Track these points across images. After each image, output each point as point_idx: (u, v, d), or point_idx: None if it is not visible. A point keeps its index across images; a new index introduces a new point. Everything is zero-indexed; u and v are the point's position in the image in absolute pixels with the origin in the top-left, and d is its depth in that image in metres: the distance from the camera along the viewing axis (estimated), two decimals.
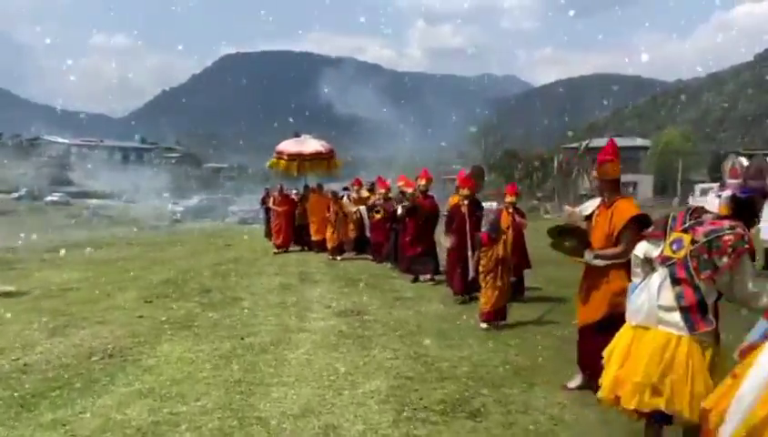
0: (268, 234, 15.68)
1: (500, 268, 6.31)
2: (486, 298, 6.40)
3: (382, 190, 11.45)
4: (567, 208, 4.65)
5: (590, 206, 4.18)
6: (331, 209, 12.26)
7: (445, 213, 8.76)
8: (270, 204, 14.35)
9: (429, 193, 9.41)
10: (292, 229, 13.83)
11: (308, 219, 13.57)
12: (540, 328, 6.50)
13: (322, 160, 14.95)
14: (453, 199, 8.40)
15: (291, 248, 14.09)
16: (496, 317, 6.41)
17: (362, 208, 12.82)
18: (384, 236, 11.17)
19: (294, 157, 14.65)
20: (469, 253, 7.41)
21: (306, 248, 13.98)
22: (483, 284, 6.43)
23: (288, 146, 15.04)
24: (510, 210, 7.59)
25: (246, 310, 7.55)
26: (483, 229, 6.46)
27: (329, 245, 12.35)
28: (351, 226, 12.58)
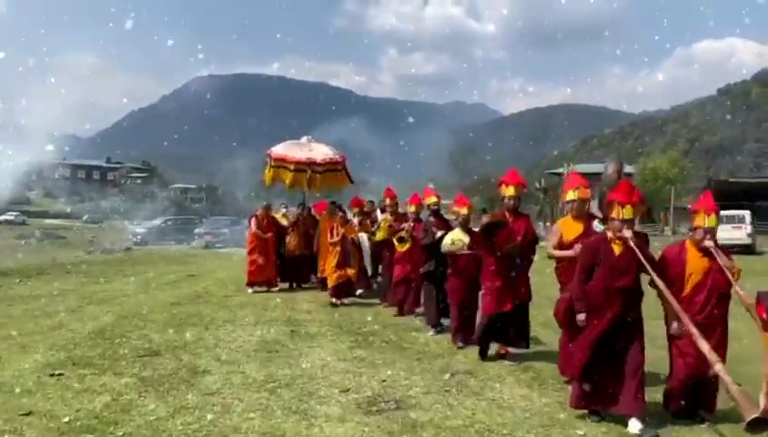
0: None
1: None
2: None
3: (411, 208, 8.37)
4: None
5: None
6: (335, 234, 9.17)
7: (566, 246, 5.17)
8: (253, 227, 10.80)
9: (522, 211, 6.03)
10: (276, 262, 10.72)
11: (309, 248, 10.49)
12: None
13: (336, 172, 11.45)
14: (568, 227, 5.09)
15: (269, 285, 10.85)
16: None
17: (363, 235, 9.96)
18: (409, 275, 8.08)
19: (303, 166, 11.04)
20: (697, 335, 3.71)
21: (295, 285, 10.95)
22: None
23: (292, 151, 11.32)
24: (709, 243, 4.02)
25: (211, 397, 4.60)
26: None
27: (331, 282, 9.17)
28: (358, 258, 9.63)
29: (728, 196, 40.49)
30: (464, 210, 6.55)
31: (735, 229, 23.32)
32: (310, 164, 11.07)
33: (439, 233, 6.79)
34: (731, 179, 43.15)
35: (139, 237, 33.58)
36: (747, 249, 22.75)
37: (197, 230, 32.52)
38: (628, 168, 65.54)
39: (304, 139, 11.80)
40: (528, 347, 5.87)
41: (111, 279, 12.95)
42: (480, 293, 5.90)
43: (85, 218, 59.60)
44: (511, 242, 5.48)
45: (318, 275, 10.15)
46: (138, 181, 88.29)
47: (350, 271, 9.08)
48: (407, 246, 7.94)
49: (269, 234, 10.58)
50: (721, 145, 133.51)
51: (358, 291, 9.73)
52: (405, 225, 8.11)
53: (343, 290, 9.16)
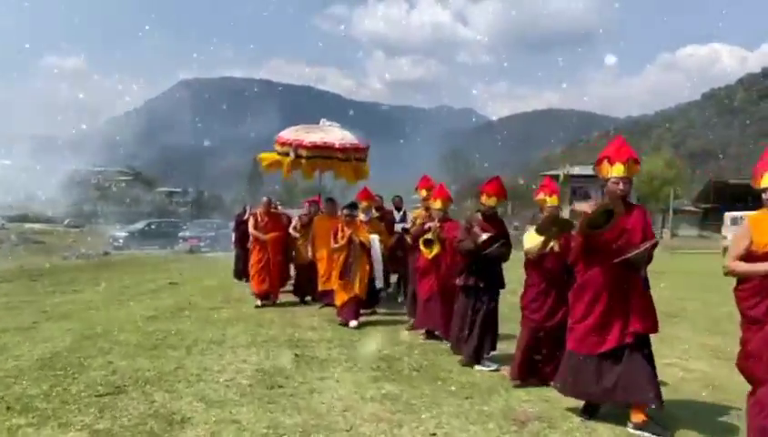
0: (240, 273, 10.91)
1: None
2: None
3: (437, 204, 6.44)
4: None
5: None
6: (340, 237, 7.40)
7: None
8: (250, 228, 9.00)
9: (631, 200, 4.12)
10: (285, 268, 9.12)
11: (309, 255, 8.68)
12: None
13: (334, 160, 9.37)
14: (764, 228, 3.20)
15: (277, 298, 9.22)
16: None
17: (374, 237, 7.92)
18: (441, 290, 6.38)
19: (287, 148, 9.21)
20: None
21: (307, 299, 9.21)
22: None
23: (289, 132, 9.54)
24: None
25: None
26: None
27: (340, 299, 7.40)
28: (367, 267, 7.68)
29: (726, 197, 39.60)
30: (554, 200, 4.91)
31: None
32: (296, 146, 9.28)
33: (485, 235, 5.22)
34: (731, 181, 42.18)
35: (120, 241, 31.94)
36: None
37: (181, 234, 31.01)
38: None
39: (321, 122, 9.98)
40: (662, 405, 3.79)
41: (81, 288, 11.40)
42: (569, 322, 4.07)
43: (66, 221, 57.73)
44: (629, 244, 3.75)
45: (320, 287, 8.45)
46: (123, 184, 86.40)
47: (356, 284, 7.33)
48: (435, 251, 6.29)
49: (272, 235, 8.86)
50: (705, 149, 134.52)
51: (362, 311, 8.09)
52: (430, 224, 6.48)
53: (351, 309, 7.37)
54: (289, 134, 9.42)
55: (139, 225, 35.64)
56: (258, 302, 8.75)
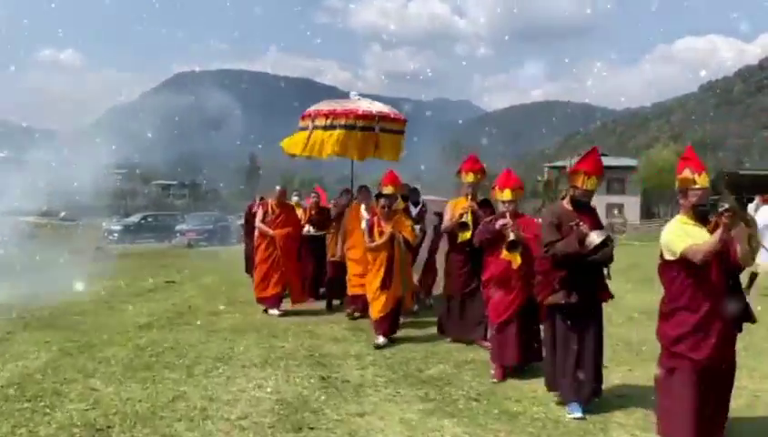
0: (251, 268, 9.51)
1: None
2: None
3: (506, 196, 4.92)
4: None
5: None
6: (377, 233, 5.96)
7: None
8: (258, 220, 7.65)
9: None
10: (299, 269, 7.90)
11: (339, 253, 7.44)
12: None
13: (390, 133, 7.72)
14: None
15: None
16: None
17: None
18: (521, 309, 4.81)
19: (307, 121, 7.58)
20: None
21: (331, 303, 7.97)
22: None
23: (323, 105, 7.90)
24: None
25: None
26: None
27: (375, 312, 5.87)
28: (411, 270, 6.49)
29: (734, 187, 38.61)
30: (704, 179, 3.30)
31: None
32: (314, 116, 7.72)
33: (596, 236, 3.77)
34: (741, 172, 41.21)
35: (116, 235, 30.81)
36: None
37: (178, 227, 29.88)
38: (629, 162, 63.66)
39: (351, 94, 8.48)
40: None
41: (69, 288, 10.31)
42: None
43: (61, 215, 56.40)
44: None
45: (349, 291, 7.17)
46: (119, 177, 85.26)
47: (398, 292, 5.93)
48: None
49: (284, 230, 7.53)
50: (703, 141, 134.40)
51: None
52: (502, 221, 4.81)
53: (394, 323, 6.01)
54: (315, 106, 8.10)
55: (135, 218, 34.51)
56: (274, 312, 7.46)
